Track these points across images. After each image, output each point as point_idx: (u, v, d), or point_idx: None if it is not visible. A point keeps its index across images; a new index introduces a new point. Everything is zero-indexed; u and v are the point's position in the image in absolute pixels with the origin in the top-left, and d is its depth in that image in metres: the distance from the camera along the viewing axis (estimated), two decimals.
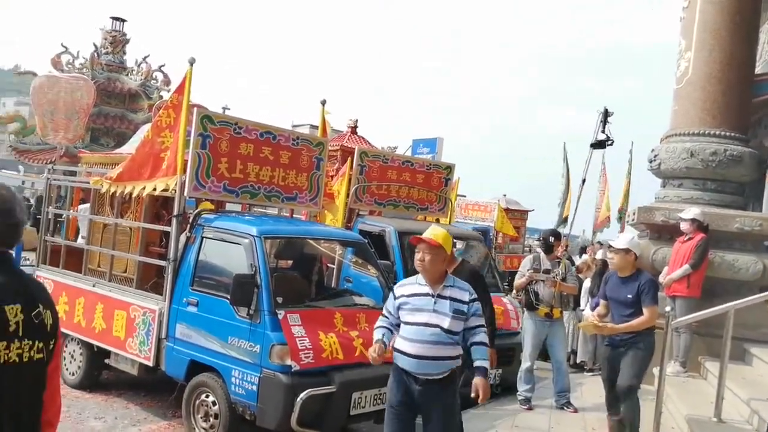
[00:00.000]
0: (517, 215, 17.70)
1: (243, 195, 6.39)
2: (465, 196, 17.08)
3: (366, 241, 7.03)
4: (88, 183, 7.20)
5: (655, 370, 5.60)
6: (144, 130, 7.40)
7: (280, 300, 5.38)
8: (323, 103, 8.09)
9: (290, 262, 7.19)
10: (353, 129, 13.69)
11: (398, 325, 3.99)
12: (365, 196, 8.62)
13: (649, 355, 5.31)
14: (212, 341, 5.50)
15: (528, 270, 7.03)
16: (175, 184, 5.99)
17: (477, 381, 3.88)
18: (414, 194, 9.09)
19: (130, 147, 7.93)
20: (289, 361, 5.05)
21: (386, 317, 4.08)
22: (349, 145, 11.97)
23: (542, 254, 7.16)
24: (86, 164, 8.34)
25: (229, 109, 13.18)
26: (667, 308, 5.61)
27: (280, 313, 5.23)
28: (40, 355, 2.05)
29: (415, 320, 3.89)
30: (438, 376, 3.88)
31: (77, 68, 17.87)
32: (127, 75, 19.17)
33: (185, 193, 5.98)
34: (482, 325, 4.01)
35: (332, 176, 9.38)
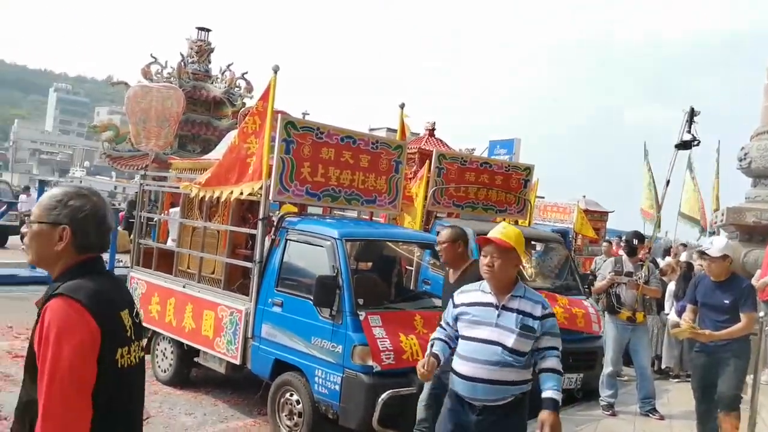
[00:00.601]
0: (596, 216, 17.27)
1: (324, 198, 6.53)
2: (543, 198, 16.84)
3: None
4: (178, 188, 7.52)
5: (749, 378, 5.39)
6: (230, 137, 7.67)
7: (361, 301, 5.47)
8: (402, 106, 8.15)
9: (370, 264, 7.28)
10: (431, 131, 13.74)
11: (457, 338, 3.44)
12: (443, 198, 8.64)
13: (747, 362, 5.13)
14: (296, 341, 5.65)
15: (609, 272, 6.89)
16: (261, 189, 6.18)
17: (544, 416, 3.21)
18: (492, 196, 9.04)
19: (217, 153, 8.22)
20: (370, 362, 5.13)
21: (443, 328, 3.52)
22: (427, 148, 12.02)
23: (624, 256, 7.01)
24: (176, 170, 8.70)
25: (308, 114, 13.50)
26: (761, 313, 5.40)
27: (362, 315, 5.32)
28: (143, 353, 2.16)
29: (472, 335, 3.32)
30: (498, 403, 3.27)
31: (165, 77, 18.67)
32: (212, 83, 19.89)
33: (270, 197, 6.15)
34: (556, 348, 3.34)
35: (410, 179, 9.44)
